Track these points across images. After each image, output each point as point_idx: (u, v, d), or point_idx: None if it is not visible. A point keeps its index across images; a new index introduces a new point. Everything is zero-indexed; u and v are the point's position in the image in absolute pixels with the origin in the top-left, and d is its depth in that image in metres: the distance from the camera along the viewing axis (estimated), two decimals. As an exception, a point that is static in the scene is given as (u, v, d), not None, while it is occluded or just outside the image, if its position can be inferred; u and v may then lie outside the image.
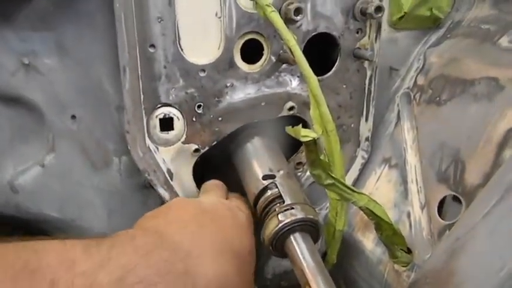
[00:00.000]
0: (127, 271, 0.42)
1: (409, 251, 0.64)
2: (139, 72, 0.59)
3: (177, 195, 0.67)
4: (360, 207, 0.55)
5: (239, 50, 0.64)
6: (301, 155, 0.76)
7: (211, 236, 0.53)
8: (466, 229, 0.46)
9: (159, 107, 0.62)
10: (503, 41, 0.65)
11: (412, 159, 0.69)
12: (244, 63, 0.65)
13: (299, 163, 0.77)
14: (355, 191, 0.54)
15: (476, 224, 0.45)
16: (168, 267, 0.45)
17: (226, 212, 0.59)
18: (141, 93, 0.60)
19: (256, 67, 0.66)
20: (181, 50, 0.60)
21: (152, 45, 0.58)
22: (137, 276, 0.42)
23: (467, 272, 0.44)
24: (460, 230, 0.47)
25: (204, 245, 0.51)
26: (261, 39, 0.64)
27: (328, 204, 0.68)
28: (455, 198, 0.63)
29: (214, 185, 0.67)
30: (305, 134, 0.45)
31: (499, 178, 0.47)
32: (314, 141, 0.46)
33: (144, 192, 0.69)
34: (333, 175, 0.52)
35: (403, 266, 0.63)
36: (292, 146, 0.74)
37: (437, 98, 0.69)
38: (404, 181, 0.69)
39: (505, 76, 0.61)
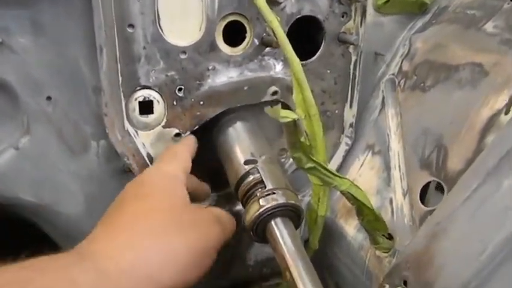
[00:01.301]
0: None
1: (390, 237, 0.63)
2: (117, 53, 0.57)
3: (157, 180, 0.65)
4: (342, 192, 0.55)
5: (221, 32, 0.62)
6: (285, 141, 0.75)
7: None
8: (446, 213, 0.46)
9: (139, 90, 0.60)
10: (488, 27, 0.64)
11: (395, 145, 0.69)
12: (226, 45, 0.63)
13: (283, 149, 0.76)
14: (336, 175, 0.54)
15: (457, 208, 0.45)
16: None
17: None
18: (119, 75, 0.59)
19: (238, 50, 0.64)
20: (161, 30, 0.58)
21: (131, 25, 0.57)
22: None
23: (448, 255, 0.44)
24: (441, 215, 0.47)
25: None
26: (244, 21, 0.63)
27: (311, 191, 0.68)
28: (439, 185, 0.62)
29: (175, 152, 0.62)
30: (284, 115, 0.44)
31: (481, 163, 0.47)
32: (294, 123, 0.45)
33: (123, 177, 0.67)
34: (314, 159, 0.51)
35: (384, 252, 0.63)
36: (277, 131, 0.73)
37: (422, 84, 0.68)
38: (387, 167, 0.69)
39: (489, 62, 0.60)
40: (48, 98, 0.61)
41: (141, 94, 0.61)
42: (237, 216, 0.65)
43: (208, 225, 0.56)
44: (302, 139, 0.48)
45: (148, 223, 0.52)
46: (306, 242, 0.69)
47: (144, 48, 0.58)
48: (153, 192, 0.55)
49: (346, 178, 0.55)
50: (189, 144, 0.64)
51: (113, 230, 0.51)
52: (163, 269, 0.48)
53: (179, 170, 0.59)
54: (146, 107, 0.61)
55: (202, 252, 0.53)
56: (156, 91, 0.61)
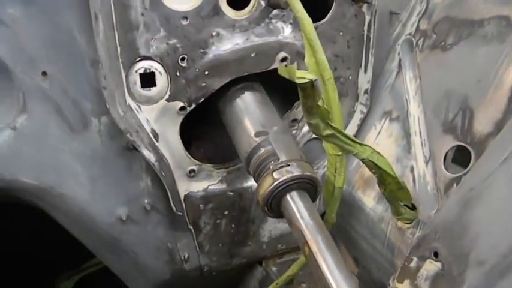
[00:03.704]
0: None
1: (413, 207, 0.60)
2: (114, 20, 0.53)
3: (163, 157, 0.62)
4: (362, 160, 0.51)
5: (224, -6, 0.58)
6: (296, 111, 0.70)
7: None
8: (481, 178, 0.42)
9: (139, 61, 0.56)
10: (515, -24, 0.59)
11: (415, 110, 0.65)
12: (230, 9, 0.59)
13: (294, 120, 0.72)
14: (357, 142, 0.50)
15: (494, 172, 0.41)
16: None
17: None
18: (118, 44, 0.55)
19: (244, 13, 0.60)
20: (160, -6, 0.54)
21: None
22: None
23: (484, 223, 0.40)
24: (474, 180, 0.43)
25: None
26: (249, -19, 0.58)
27: (325, 163, 0.64)
28: (462, 150, 0.58)
29: None
30: (301, 76, 0.40)
31: (517, 121, 0.42)
32: (311, 84, 0.41)
33: (128, 155, 0.64)
34: (333, 125, 0.47)
35: (406, 223, 0.60)
36: (287, 102, 0.69)
37: (443, 43, 0.63)
38: (406, 134, 0.65)
39: (517, 14, 0.55)
40: (44, 73, 0.57)
41: (142, 65, 0.57)
42: (248, 192, 0.61)
43: None
44: (320, 103, 0.43)
45: None
46: (322, 216, 0.66)
47: (143, 14, 0.54)
48: None
49: (367, 145, 0.51)
50: None
51: None
52: None
53: None
54: (148, 79, 0.57)
55: None
56: (158, 62, 0.57)
